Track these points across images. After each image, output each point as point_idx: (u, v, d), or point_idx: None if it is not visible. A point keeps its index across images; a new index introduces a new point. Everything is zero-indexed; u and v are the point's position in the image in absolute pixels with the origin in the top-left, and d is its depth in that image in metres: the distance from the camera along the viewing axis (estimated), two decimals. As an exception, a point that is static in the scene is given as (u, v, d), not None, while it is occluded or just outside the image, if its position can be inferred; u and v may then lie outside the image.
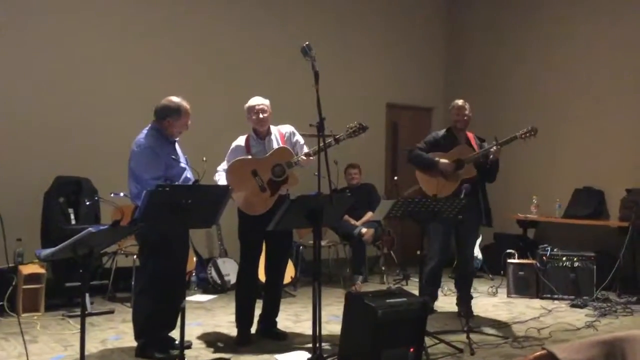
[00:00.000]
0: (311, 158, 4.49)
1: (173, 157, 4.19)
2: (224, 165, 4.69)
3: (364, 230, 6.85)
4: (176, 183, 4.11)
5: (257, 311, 4.75)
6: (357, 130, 4.46)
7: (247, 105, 4.69)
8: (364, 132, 4.47)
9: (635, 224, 6.17)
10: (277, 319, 4.82)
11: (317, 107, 3.88)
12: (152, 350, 4.14)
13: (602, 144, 7.30)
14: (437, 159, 5.32)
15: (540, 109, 7.94)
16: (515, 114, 8.05)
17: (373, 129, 8.33)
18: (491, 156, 5.21)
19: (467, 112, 5.43)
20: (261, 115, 4.61)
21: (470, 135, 5.50)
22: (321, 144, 3.95)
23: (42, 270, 5.43)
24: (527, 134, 5.21)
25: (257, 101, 4.66)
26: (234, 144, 4.72)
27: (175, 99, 4.27)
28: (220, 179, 4.58)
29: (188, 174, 4.25)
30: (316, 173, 4.05)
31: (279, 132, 4.73)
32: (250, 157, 4.58)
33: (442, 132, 5.57)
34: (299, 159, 4.50)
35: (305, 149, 4.64)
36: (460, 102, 5.49)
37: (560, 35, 7.82)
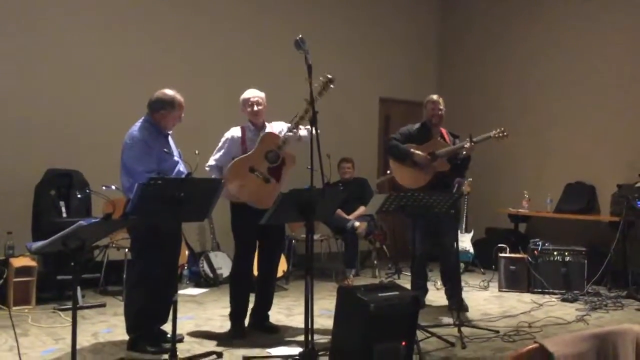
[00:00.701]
0: (296, 132, 4.46)
1: (166, 150, 4.17)
2: (212, 160, 4.64)
3: (357, 224, 6.85)
4: (169, 176, 4.10)
5: (250, 305, 4.75)
6: (327, 84, 4.36)
7: (242, 97, 4.67)
8: (332, 84, 4.38)
9: (626, 219, 6.20)
10: (270, 313, 4.82)
11: (311, 100, 3.88)
12: (144, 343, 4.13)
13: (594, 140, 7.33)
14: (412, 150, 5.41)
15: (532, 104, 7.97)
16: (507, 109, 8.09)
17: (366, 123, 8.47)
18: (464, 153, 5.29)
19: (441, 107, 5.51)
20: (256, 108, 4.60)
21: (443, 130, 5.60)
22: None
23: (33, 263, 5.41)
24: (500, 134, 5.31)
25: (252, 93, 4.65)
26: (228, 135, 4.67)
27: (169, 91, 4.25)
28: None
29: (181, 167, 4.24)
30: (309, 167, 4.05)
31: (272, 129, 4.71)
32: (240, 156, 4.53)
33: (416, 125, 5.65)
34: (286, 135, 4.48)
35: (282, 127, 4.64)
36: (434, 97, 5.60)
37: (552, 31, 7.84)
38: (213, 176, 4.56)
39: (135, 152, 4.08)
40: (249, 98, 4.63)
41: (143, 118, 4.25)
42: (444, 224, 5.35)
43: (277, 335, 4.60)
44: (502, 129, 5.33)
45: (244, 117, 4.73)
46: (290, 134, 4.48)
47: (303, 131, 4.52)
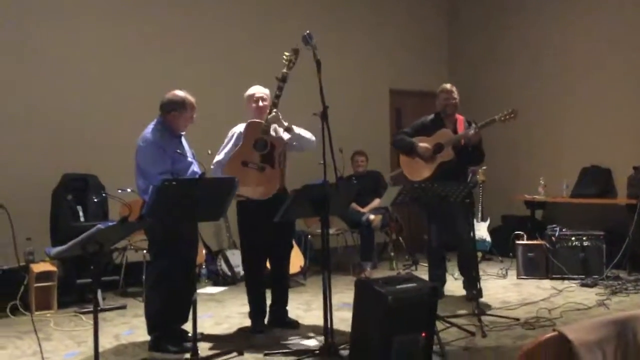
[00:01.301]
0: (275, 111, 4.42)
1: (179, 151, 4.19)
2: (218, 157, 4.61)
3: (371, 217, 6.85)
4: (183, 177, 4.12)
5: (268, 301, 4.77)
6: (291, 57, 4.37)
7: (247, 93, 4.67)
8: (297, 55, 4.37)
9: (643, 201, 6.15)
10: (288, 308, 4.84)
11: (320, 95, 3.88)
12: (166, 343, 4.17)
13: (608, 122, 7.26)
14: (416, 142, 5.37)
15: (544, 90, 7.91)
16: (520, 96, 8.02)
17: (377, 115, 8.45)
18: (471, 138, 5.21)
19: (454, 95, 5.45)
20: (261, 104, 4.59)
21: (460, 118, 5.51)
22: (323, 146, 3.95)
23: (53, 268, 5.47)
24: (507, 116, 5.18)
25: (257, 89, 4.65)
26: (235, 131, 4.65)
27: (180, 92, 4.27)
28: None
29: (195, 167, 4.26)
30: (321, 162, 4.04)
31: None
32: (232, 155, 4.51)
33: (430, 116, 5.60)
34: (267, 118, 4.43)
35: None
36: (447, 86, 5.54)
37: (563, 14, 7.76)
38: (218, 175, 4.52)
39: (149, 154, 4.11)
40: (254, 94, 4.63)
41: (155, 120, 4.27)
42: (458, 213, 5.31)
43: (297, 330, 4.62)
44: (509, 110, 5.18)
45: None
46: (273, 114, 4.42)
47: (285, 135, 4.50)
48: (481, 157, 5.50)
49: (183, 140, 4.34)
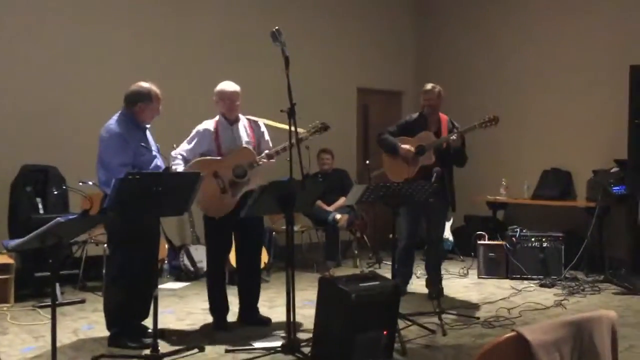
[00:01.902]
0: (272, 160, 4.46)
1: (143, 144, 4.14)
2: (180, 150, 4.56)
3: (338, 216, 6.87)
4: (146, 170, 4.07)
5: (232, 298, 4.75)
6: (320, 129, 4.42)
7: (218, 89, 4.60)
8: (326, 131, 4.44)
9: (601, 205, 6.29)
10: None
11: (288, 92, 3.88)
12: (125, 339, 4.11)
13: (569, 126, 7.41)
14: (398, 144, 5.39)
15: (508, 92, 8.04)
16: (484, 97, 8.14)
17: (344, 113, 8.47)
18: (450, 143, 5.25)
19: (433, 96, 5.46)
20: (235, 102, 4.55)
21: (444, 118, 5.53)
22: (286, 143, 3.98)
23: (11, 261, 5.35)
24: (488, 123, 5.18)
25: (229, 87, 4.57)
26: (200, 128, 4.59)
27: (145, 84, 4.21)
28: (178, 168, 4.45)
29: (158, 162, 4.21)
30: (288, 158, 4.04)
31: (248, 123, 4.68)
32: (208, 157, 4.49)
33: (414, 115, 5.62)
34: (261, 160, 4.45)
35: (270, 145, 4.61)
36: (428, 86, 5.54)
37: (527, 19, 7.90)
38: (176, 167, 4.45)
39: (111, 145, 4.05)
40: (226, 91, 4.55)
41: (119, 112, 4.21)
42: (435, 214, 5.33)
43: (262, 327, 4.58)
44: (491, 116, 5.17)
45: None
46: (265, 160, 4.45)
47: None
48: (464, 160, 5.49)
49: (148, 133, 4.29)
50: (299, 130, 4.27)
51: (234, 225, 4.39)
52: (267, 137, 4.71)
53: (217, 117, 4.63)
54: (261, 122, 4.74)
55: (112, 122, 4.14)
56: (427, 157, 5.33)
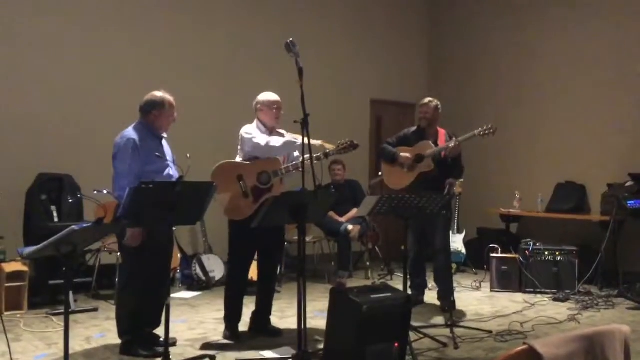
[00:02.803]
0: (300, 170, 4.47)
1: (158, 154, 4.17)
2: (264, 139, 4.53)
3: (350, 227, 6.86)
4: (160, 180, 4.09)
5: (245, 309, 4.75)
6: (348, 147, 4.47)
7: (265, 99, 4.65)
8: (354, 149, 4.48)
9: (616, 219, 6.24)
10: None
11: (302, 103, 3.89)
12: (137, 347, 4.12)
13: (584, 139, 7.37)
14: (398, 152, 5.52)
15: (523, 104, 8.02)
16: (499, 109, 8.13)
17: (357, 125, 8.49)
18: (448, 152, 5.30)
19: (429, 110, 5.56)
20: (280, 111, 4.64)
21: (441, 131, 5.63)
22: (307, 156, 3.99)
23: (25, 268, 5.39)
24: (486, 131, 5.26)
25: (276, 97, 4.67)
26: (254, 127, 4.61)
27: (157, 93, 4.27)
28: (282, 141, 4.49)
29: (171, 171, 4.23)
30: (300, 169, 4.06)
31: (278, 134, 4.72)
32: (234, 161, 4.56)
33: (413, 128, 5.75)
34: (290, 168, 4.48)
35: (295, 155, 4.64)
36: (425, 100, 5.68)
37: (544, 30, 7.89)
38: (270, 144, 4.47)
39: (122, 150, 4.08)
40: (276, 101, 4.64)
41: (136, 122, 4.25)
42: (434, 224, 5.43)
43: (273, 338, 4.58)
44: (489, 125, 5.27)
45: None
46: (291, 169, 4.49)
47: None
48: (461, 170, 5.64)
49: (165, 143, 4.32)
50: (327, 145, 4.33)
51: (258, 235, 4.40)
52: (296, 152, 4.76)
53: (254, 124, 4.66)
54: (288, 135, 4.76)
55: (129, 129, 4.19)
56: (426, 163, 5.41)
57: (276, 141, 4.51)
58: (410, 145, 5.56)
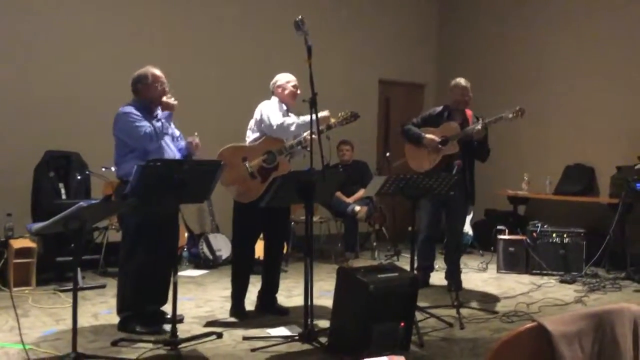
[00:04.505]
0: (304, 147, 4.45)
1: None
2: (280, 119, 4.49)
3: (357, 208, 6.86)
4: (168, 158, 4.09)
5: (250, 287, 4.77)
6: (349, 118, 4.43)
7: (286, 78, 4.65)
8: (355, 120, 4.45)
9: (624, 201, 6.21)
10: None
11: (310, 82, 3.87)
12: (134, 324, 4.13)
13: (593, 121, 7.31)
14: (423, 133, 5.40)
15: (532, 85, 7.94)
16: (507, 91, 8.06)
17: (365, 105, 8.45)
18: (474, 134, 5.22)
19: (469, 92, 5.48)
20: (298, 91, 4.63)
21: (469, 112, 5.52)
22: (314, 130, 3.97)
23: (33, 245, 5.42)
24: (515, 114, 5.16)
25: (292, 77, 4.68)
26: (274, 104, 4.58)
27: (143, 68, 4.25)
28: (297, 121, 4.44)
29: (168, 149, 4.21)
30: (308, 149, 4.05)
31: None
32: (238, 144, 4.55)
33: (439, 108, 5.63)
34: (294, 146, 4.46)
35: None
36: (463, 82, 5.50)
37: (552, 12, 7.79)
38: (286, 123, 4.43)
39: (126, 122, 4.07)
40: (291, 80, 4.65)
41: (130, 101, 4.24)
42: (456, 206, 5.35)
43: (280, 316, 4.61)
44: (517, 108, 5.16)
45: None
46: (298, 147, 4.47)
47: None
48: (487, 153, 5.50)
49: (163, 121, 4.28)
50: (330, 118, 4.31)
51: (263, 214, 4.40)
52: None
53: (274, 102, 4.64)
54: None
55: (122, 106, 4.18)
56: (451, 146, 5.32)
57: (291, 122, 4.47)
58: (436, 125, 5.47)
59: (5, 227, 5.48)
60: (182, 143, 4.38)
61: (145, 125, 4.03)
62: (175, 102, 4.16)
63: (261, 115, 4.55)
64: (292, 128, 4.44)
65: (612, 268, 6.31)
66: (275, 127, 4.45)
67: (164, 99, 4.17)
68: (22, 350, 3.61)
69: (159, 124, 4.12)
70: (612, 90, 7.15)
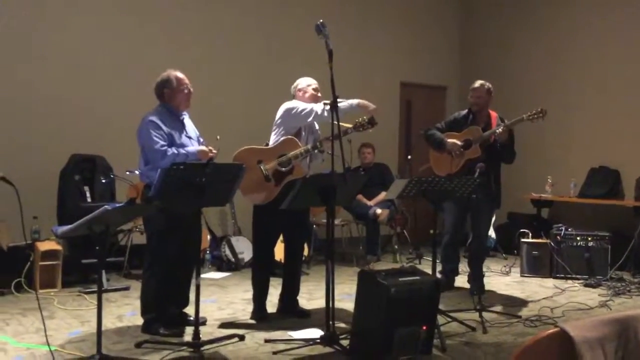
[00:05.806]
0: (320, 150, 4.46)
1: (187, 135, 4.20)
2: (309, 105, 4.53)
3: (379, 211, 6.85)
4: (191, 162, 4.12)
5: (272, 290, 4.79)
6: (365, 125, 4.39)
7: (304, 82, 4.70)
8: (372, 127, 4.41)
9: (650, 204, 6.13)
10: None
11: (331, 85, 3.88)
12: (157, 326, 4.17)
13: (618, 123, 7.22)
14: (445, 138, 5.37)
15: (555, 88, 7.87)
16: (531, 93, 8.00)
17: (387, 108, 8.43)
18: (497, 137, 5.18)
19: (481, 93, 5.42)
20: (318, 94, 4.66)
21: (493, 115, 5.48)
22: (331, 135, 3.96)
23: (59, 247, 5.50)
24: (535, 116, 5.10)
25: (313, 80, 4.72)
26: (295, 101, 4.62)
27: (164, 72, 4.28)
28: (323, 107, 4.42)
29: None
30: (330, 152, 4.05)
31: None
32: (254, 146, 4.56)
33: (464, 112, 5.59)
34: (310, 150, 4.46)
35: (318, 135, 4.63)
36: (476, 84, 5.48)
37: (577, 13, 7.71)
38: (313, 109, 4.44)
39: (146, 131, 4.10)
40: (312, 84, 4.69)
41: (155, 106, 4.28)
42: (480, 209, 5.30)
43: (301, 319, 4.61)
44: (538, 109, 5.10)
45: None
46: (315, 151, 4.47)
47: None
48: (512, 155, 5.45)
49: (187, 122, 4.33)
50: (345, 124, 4.29)
51: (282, 217, 4.41)
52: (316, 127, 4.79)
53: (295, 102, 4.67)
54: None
55: (148, 113, 4.22)
56: (473, 150, 5.28)
57: (318, 107, 4.46)
58: (460, 129, 5.43)
59: (32, 230, 5.56)
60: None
61: (161, 142, 4.05)
62: (215, 153, 4.14)
63: (286, 109, 4.57)
64: (325, 114, 4.37)
65: (638, 272, 6.22)
66: (308, 109, 4.45)
67: (204, 148, 4.18)
68: (47, 351, 3.66)
69: (187, 128, 4.21)
70: (637, 91, 7.05)
